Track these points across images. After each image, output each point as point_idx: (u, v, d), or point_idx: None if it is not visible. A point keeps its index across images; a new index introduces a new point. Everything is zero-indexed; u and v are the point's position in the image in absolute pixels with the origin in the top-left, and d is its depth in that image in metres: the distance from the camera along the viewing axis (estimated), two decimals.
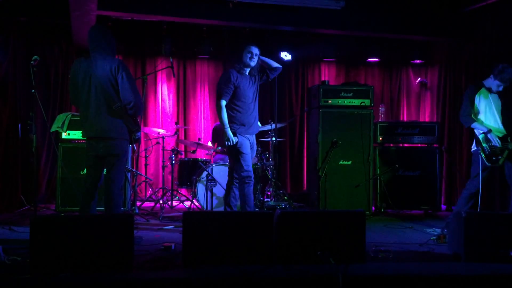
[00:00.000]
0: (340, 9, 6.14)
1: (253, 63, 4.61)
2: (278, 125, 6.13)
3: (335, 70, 8.01)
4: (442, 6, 6.62)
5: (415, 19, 6.67)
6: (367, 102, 5.99)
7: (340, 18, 6.38)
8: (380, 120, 6.59)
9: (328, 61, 7.85)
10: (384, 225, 5.36)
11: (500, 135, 4.79)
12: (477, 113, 4.93)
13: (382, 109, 6.84)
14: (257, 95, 4.77)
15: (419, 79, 7.98)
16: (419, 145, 6.32)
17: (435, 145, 6.27)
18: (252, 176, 4.62)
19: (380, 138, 6.20)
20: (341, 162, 5.90)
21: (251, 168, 4.63)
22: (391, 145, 6.28)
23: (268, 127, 6.21)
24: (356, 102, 5.98)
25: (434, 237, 4.44)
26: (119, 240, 3.26)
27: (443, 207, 6.58)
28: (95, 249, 3.21)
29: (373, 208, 6.11)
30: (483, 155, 4.81)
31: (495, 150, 4.77)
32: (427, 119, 7.76)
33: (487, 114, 4.90)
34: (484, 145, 4.81)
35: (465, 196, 4.88)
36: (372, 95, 6.02)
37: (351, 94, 5.97)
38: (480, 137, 4.85)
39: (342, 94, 5.96)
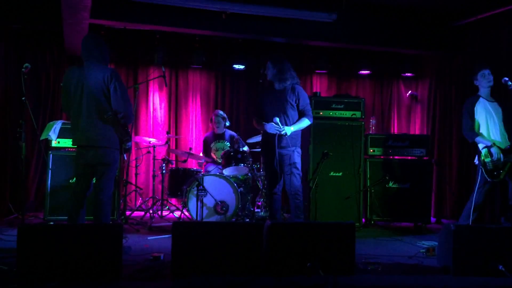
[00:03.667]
0: (332, 22, 6.20)
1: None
2: None
3: (327, 82, 8.06)
4: (432, 21, 6.72)
5: (406, 33, 6.75)
6: (358, 114, 6.01)
7: (332, 31, 6.43)
8: (370, 132, 6.63)
9: (320, 73, 7.90)
10: (374, 237, 5.37)
11: (503, 147, 4.63)
12: (479, 126, 4.77)
13: (373, 121, 6.88)
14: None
15: (409, 92, 8.06)
16: (409, 157, 6.34)
17: (425, 158, 6.29)
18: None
19: (371, 150, 6.22)
20: (331, 173, 5.91)
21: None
22: (382, 157, 6.30)
23: (259, 138, 6.22)
24: (347, 114, 6.00)
25: (424, 250, 4.44)
26: (108, 249, 3.23)
27: (433, 219, 6.60)
28: (83, 258, 3.18)
29: (363, 220, 6.12)
30: (483, 171, 4.66)
31: (497, 165, 4.61)
32: (417, 132, 7.82)
33: (489, 125, 4.73)
34: (486, 160, 4.66)
35: (468, 207, 4.74)
36: (363, 107, 6.04)
37: (342, 106, 6.00)
38: (483, 151, 4.69)
39: (334, 106, 5.99)
